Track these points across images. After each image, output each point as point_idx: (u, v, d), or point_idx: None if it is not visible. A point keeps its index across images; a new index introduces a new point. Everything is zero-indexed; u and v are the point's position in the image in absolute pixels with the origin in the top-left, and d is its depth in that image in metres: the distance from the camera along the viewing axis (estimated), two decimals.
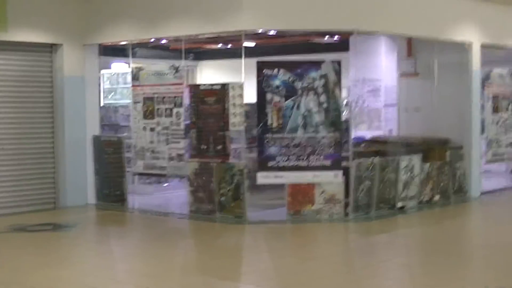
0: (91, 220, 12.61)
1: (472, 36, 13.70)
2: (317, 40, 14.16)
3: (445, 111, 13.50)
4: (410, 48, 14.27)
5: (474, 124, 13.73)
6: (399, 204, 12.25)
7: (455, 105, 13.66)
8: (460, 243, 10.40)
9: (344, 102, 12.45)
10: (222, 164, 11.59)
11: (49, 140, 13.15)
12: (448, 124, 13.60)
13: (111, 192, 13.17)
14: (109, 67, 15.94)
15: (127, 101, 13.81)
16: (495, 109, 14.12)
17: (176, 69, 12.15)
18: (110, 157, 13.14)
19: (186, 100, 12.12)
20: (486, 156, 14.09)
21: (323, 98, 11.27)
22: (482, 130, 14.01)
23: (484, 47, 13.95)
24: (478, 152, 13.88)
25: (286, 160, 11.31)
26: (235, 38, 12.17)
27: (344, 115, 12.20)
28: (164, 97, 12.25)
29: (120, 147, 13.06)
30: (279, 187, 11.73)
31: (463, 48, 13.65)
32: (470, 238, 11.08)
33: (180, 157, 12.17)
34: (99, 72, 14.13)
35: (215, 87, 11.73)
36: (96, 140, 13.34)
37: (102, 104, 14.77)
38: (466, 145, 13.66)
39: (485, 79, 13.99)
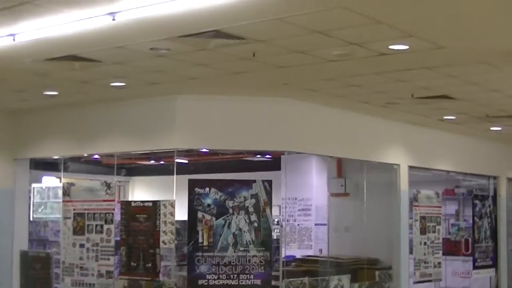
0: None
1: (400, 158, 14.03)
2: (249, 158, 14.34)
3: (375, 231, 13.66)
4: (340, 168, 14.52)
5: (403, 244, 13.90)
6: None
7: (384, 225, 13.85)
8: None
9: (275, 221, 12.54)
10: (152, 282, 11.46)
11: None
12: (377, 244, 13.75)
13: None
14: (40, 181, 15.82)
15: (57, 216, 13.68)
16: (423, 230, 14.32)
17: (108, 186, 12.12)
18: (38, 272, 12.88)
19: (117, 217, 12.06)
20: (414, 277, 14.19)
21: (254, 217, 11.33)
22: (411, 250, 14.17)
23: (411, 168, 14.28)
24: (406, 272, 14.00)
25: (216, 279, 11.25)
26: (167, 154, 12.25)
27: (275, 234, 12.26)
28: (95, 213, 12.17)
29: (48, 263, 12.83)
30: None
31: (391, 169, 13.94)
32: None
33: (109, 274, 12.01)
34: (30, 185, 14.02)
35: (146, 204, 11.71)
36: (24, 255, 13.10)
37: (31, 219, 14.59)
38: (395, 265, 13.79)
39: (413, 200, 14.24)
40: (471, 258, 16.14)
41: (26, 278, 13.00)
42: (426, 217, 14.45)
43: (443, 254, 15.08)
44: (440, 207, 14.95)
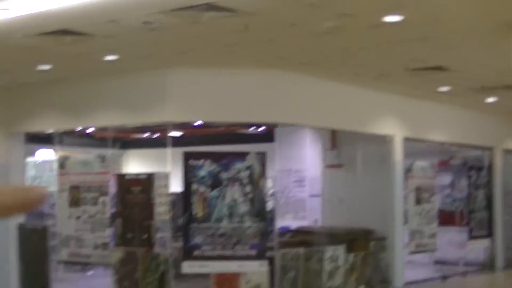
0: None
1: (394, 130, 14.06)
2: (243, 130, 14.38)
3: (369, 202, 13.73)
4: (334, 140, 14.56)
5: (397, 215, 13.98)
6: None
7: (378, 196, 13.91)
8: None
9: (270, 192, 12.60)
10: (147, 253, 11.55)
11: None
12: (371, 215, 13.82)
13: (35, 280, 12.95)
14: (34, 154, 15.84)
15: (53, 189, 13.72)
16: (418, 201, 14.39)
17: (103, 159, 12.17)
18: (35, 245, 12.96)
19: (112, 189, 12.12)
20: (409, 247, 14.29)
21: (248, 188, 11.38)
22: (406, 221, 14.23)
23: (406, 139, 14.32)
24: (401, 243, 14.09)
25: (211, 250, 11.33)
26: (162, 127, 12.30)
27: (269, 205, 12.33)
28: (90, 186, 12.23)
29: (45, 235, 12.91)
30: (205, 276, 11.72)
31: (385, 141, 13.98)
32: None
33: (105, 245, 12.10)
34: (25, 160, 14.05)
35: (141, 176, 11.78)
36: (21, 228, 13.17)
37: None
38: (390, 236, 13.86)
39: (408, 171, 14.29)
40: (466, 228, 16.22)
41: (23, 251, 13.08)
42: (421, 188, 14.52)
43: (438, 224, 15.16)
44: (435, 178, 15.02)
